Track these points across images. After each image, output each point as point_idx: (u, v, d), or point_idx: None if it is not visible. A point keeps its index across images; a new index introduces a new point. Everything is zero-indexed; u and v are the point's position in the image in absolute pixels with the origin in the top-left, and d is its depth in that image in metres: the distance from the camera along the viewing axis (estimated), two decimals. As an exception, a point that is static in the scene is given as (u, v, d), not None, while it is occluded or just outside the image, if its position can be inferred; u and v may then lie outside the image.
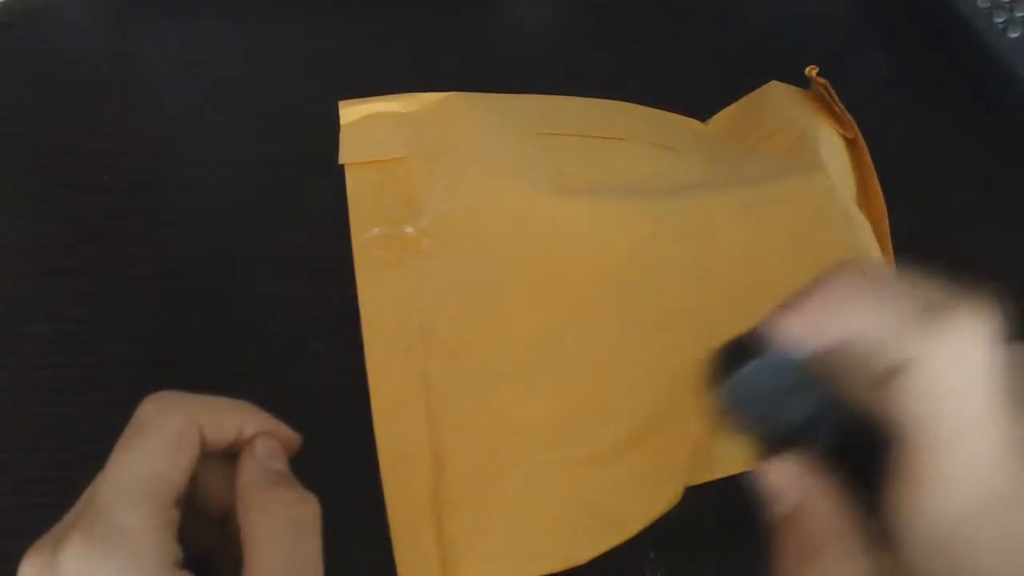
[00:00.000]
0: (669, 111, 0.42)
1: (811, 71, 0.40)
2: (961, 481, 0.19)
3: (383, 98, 0.39)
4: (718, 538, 0.34)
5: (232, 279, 0.38)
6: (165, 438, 0.24)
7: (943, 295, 0.21)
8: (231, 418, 0.26)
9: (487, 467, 0.32)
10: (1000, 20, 0.44)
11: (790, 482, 0.22)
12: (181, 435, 0.25)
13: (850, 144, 0.40)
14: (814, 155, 0.38)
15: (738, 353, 0.23)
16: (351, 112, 0.38)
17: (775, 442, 0.23)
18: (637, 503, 0.32)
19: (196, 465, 0.25)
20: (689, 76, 0.45)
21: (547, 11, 0.47)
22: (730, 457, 0.32)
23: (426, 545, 0.31)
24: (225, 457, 0.26)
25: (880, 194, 0.38)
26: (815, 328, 0.22)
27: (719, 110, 0.43)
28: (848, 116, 0.39)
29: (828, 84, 0.40)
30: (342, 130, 0.38)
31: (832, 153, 0.39)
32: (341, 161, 0.37)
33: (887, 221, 0.38)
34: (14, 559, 0.23)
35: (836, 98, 0.39)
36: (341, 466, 0.31)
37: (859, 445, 0.22)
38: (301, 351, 0.36)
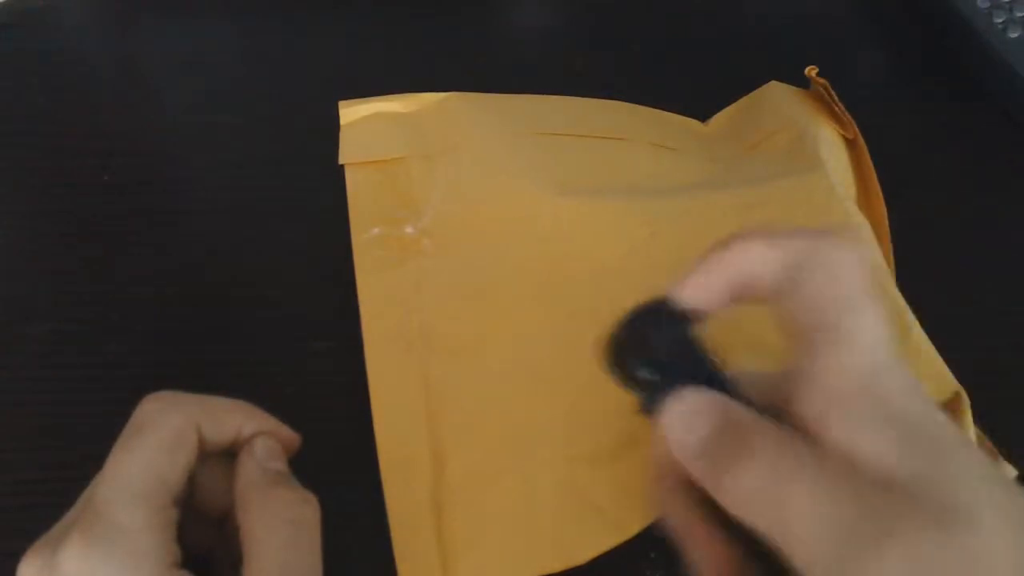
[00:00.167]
0: (669, 111, 0.42)
1: (811, 71, 0.40)
2: (867, 336, 0.21)
3: (383, 98, 0.39)
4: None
5: (232, 279, 0.38)
6: (164, 438, 0.24)
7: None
8: (230, 418, 0.26)
9: (487, 467, 0.32)
10: (1000, 20, 0.44)
11: (705, 406, 0.23)
12: (180, 435, 0.25)
13: (850, 144, 0.40)
14: (814, 155, 0.38)
15: (637, 317, 0.24)
16: (351, 112, 0.38)
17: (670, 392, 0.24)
18: (637, 503, 0.31)
19: (195, 465, 0.25)
20: (689, 76, 0.45)
21: (547, 11, 0.48)
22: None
23: (426, 545, 0.31)
24: (224, 457, 0.26)
25: (880, 194, 0.38)
26: (708, 285, 0.24)
27: (719, 110, 0.43)
28: (848, 116, 0.39)
29: (828, 84, 0.40)
30: (342, 130, 0.38)
31: (832, 153, 0.39)
32: (341, 161, 0.37)
33: (887, 221, 0.38)
34: (14, 559, 0.23)
35: (836, 98, 0.39)
36: (341, 466, 0.31)
37: (749, 401, 0.23)
38: (301, 351, 0.36)
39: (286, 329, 0.36)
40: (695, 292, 0.24)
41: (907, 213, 0.38)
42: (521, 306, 0.35)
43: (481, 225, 0.36)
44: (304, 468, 0.27)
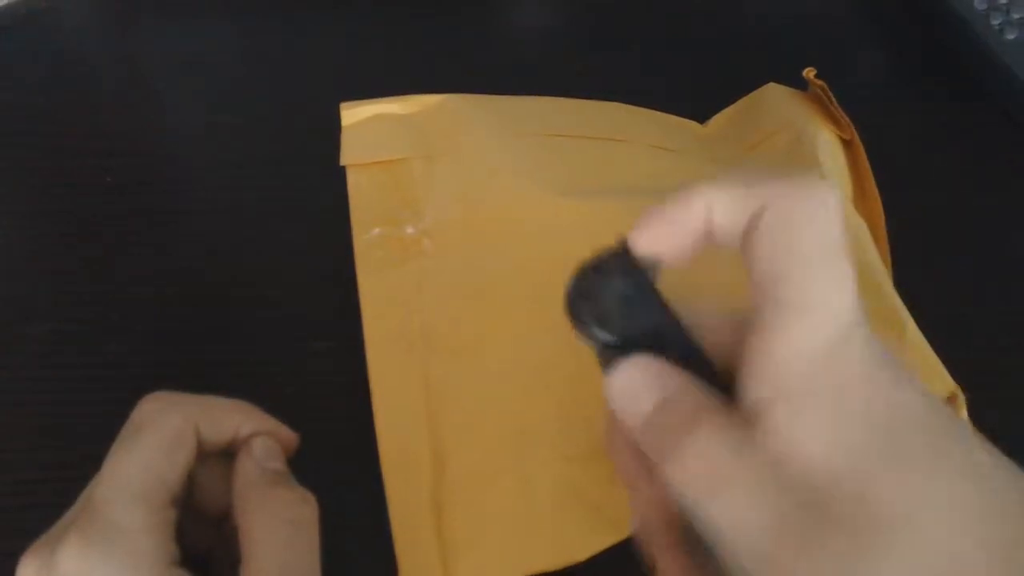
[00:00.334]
0: (669, 112, 0.42)
1: (809, 73, 0.40)
2: (827, 305, 0.19)
3: (384, 100, 0.39)
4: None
5: (232, 279, 0.38)
6: (162, 438, 0.24)
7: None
8: (229, 418, 0.26)
9: (487, 466, 0.32)
10: (997, 22, 0.44)
11: (650, 380, 0.21)
12: (178, 435, 0.25)
13: (847, 145, 0.40)
14: (812, 156, 0.38)
15: (596, 266, 0.23)
16: (352, 114, 0.38)
17: (624, 355, 0.22)
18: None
19: (194, 465, 0.25)
20: (689, 76, 0.45)
21: (547, 11, 0.48)
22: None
23: (426, 545, 0.31)
24: (223, 457, 0.26)
25: (877, 195, 0.38)
26: (668, 235, 0.22)
27: (719, 111, 0.43)
28: (845, 117, 0.39)
29: (825, 86, 0.40)
30: (343, 131, 0.38)
31: (829, 154, 0.38)
32: (343, 162, 0.37)
33: (884, 223, 0.38)
34: (14, 559, 0.23)
35: (833, 99, 0.39)
36: (341, 466, 0.31)
37: (705, 362, 0.22)
38: (301, 351, 0.36)
39: (286, 329, 0.36)
40: (654, 242, 0.22)
41: (907, 213, 0.38)
42: (521, 306, 0.35)
43: (482, 226, 0.36)
44: (304, 468, 0.27)
